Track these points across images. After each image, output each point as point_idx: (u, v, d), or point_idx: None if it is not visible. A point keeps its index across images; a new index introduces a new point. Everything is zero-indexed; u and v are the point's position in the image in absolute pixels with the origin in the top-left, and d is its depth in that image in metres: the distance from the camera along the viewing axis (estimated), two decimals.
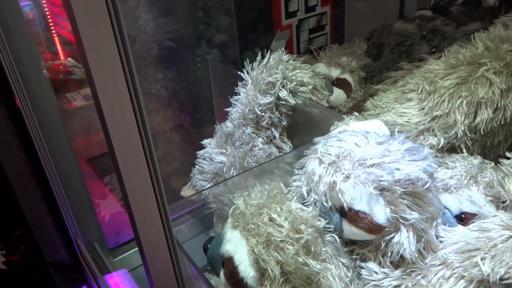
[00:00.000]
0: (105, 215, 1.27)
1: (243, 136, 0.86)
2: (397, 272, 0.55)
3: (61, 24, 1.60)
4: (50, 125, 0.91)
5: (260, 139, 0.85)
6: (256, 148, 0.84)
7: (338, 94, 1.00)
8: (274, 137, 0.87)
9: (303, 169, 0.62)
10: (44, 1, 1.46)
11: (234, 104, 0.90)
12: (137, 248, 1.08)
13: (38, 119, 0.88)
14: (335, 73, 1.02)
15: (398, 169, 0.53)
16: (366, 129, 0.62)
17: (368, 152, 0.55)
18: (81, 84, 1.53)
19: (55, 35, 1.60)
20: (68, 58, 1.66)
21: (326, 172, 0.56)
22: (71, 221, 0.95)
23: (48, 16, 1.52)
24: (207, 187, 0.86)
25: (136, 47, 1.17)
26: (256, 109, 0.84)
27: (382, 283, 0.56)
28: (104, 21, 0.36)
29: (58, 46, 1.63)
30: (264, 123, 0.85)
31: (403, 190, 0.53)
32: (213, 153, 0.89)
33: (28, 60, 0.84)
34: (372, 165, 0.54)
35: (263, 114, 0.84)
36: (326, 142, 0.59)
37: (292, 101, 0.85)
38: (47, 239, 1.06)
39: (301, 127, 0.90)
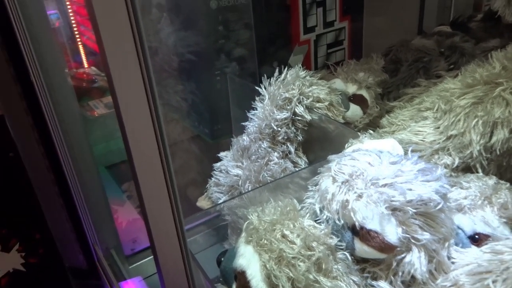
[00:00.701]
0: (122, 221, 1.30)
1: (259, 150, 0.87)
2: None
3: (86, 34, 1.65)
4: (73, 133, 0.94)
5: (275, 154, 0.87)
6: (272, 162, 0.86)
7: (354, 110, 1.01)
8: (290, 152, 0.88)
9: (317, 186, 0.63)
10: (70, 11, 1.51)
11: (251, 118, 0.92)
12: (152, 257, 1.10)
13: (62, 127, 0.91)
14: (351, 89, 1.03)
15: (410, 190, 0.54)
16: (380, 148, 0.63)
17: (381, 171, 0.56)
18: (103, 92, 1.57)
19: (79, 44, 1.64)
20: (92, 67, 1.71)
21: (339, 190, 0.57)
22: (90, 227, 0.97)
23: (74, 26, 1.57)
24: (222, 200, 0.88)
25: (157, 59, 1.20)
26: (273, 124, 0.85)
27: None
28: (126, 33, 0.38)
29: (82, 55, 1.68)
30: (280, 138, 0.87)
31: (415, 210, 0.53)
32: (229, 166, 0.91)
33: (54, 68, 0.87)
34: (385, 185, 0.55)
35: (279, 129, 0.85)
36: (340, 160, 0.60)
37: (308, 117, 0.86)
38: (66, 244, 1.09)
39: (317, 142, 0.91)
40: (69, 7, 1.50)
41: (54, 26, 1.43)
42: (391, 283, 0.58)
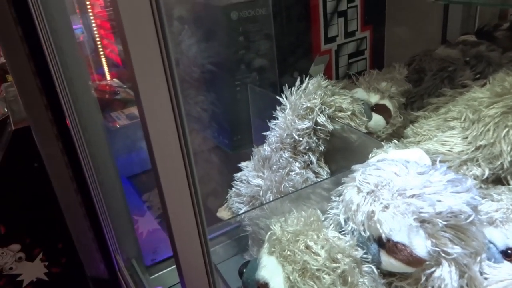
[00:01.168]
0: (143, 231, 1.30)
1: (280, 160, 0.86)
2: None
3: (109, 47, 1.68)
4: (95, 143, 0.95)
5: (297, 164, 0.85)
6: (293, 172, 0.84)
7: (377, 120, 0.99)
8: (311, 162, 0.87)
9: (341, 197, 0.62)
10: (94, 25, 1.55)
11: (272, 128, 0.92)
12: (173, 267, 1.10)
13: (85, 137, 0.93)
14: (374, 98, 1.01)
15: (439, 201, 0.52)
16: (406, 158, 0.61)
17: (408, 182, 0.54)
18: (125, 104, 1.59)
19: (102, 56, 1.68)
20: (114, 79, 1.74)
21: (365, 201, 0.55)
22: (111, 237, 0.98)
23: (97, 39, 1.61)
24: (243, 211, 0.87)
25: (178, 70, 1.21)
26: (294, 134, 0.84)
27: None
28: (153, 45, 0.38)
29: (105, 67, 1.71)
30: (301, 147, 0.85)
31: (445, 223, 0.51)
32: (250, 176, 0.90)
33: (79, 80, 0.89)
34: (412, 196, 0.53)
35: (300, 139, 0.84)
36: (365, 170, 0.58)
37: (330, 126, 0.85)
38: (88, 253, 1.10)
39: (339, 152, 0.90)
40: (93, 21, 1.54)
41: (78, 40, 1.46)
42: None
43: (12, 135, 1.24)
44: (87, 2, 1.48)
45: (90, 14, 1.52)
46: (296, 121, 0.84)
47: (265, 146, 0.92)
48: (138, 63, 0.38)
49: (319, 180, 0.84)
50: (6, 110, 1.41)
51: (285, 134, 0.86)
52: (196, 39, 1.18)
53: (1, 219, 1.26)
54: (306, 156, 0.86)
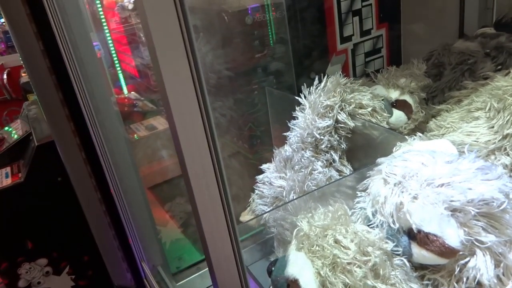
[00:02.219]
0: (166, 241, 1.30)
1: (302, 159, 0.86)
2: None
3: (126, 60, 1.71)
4: (118, 153, 0.96)
5: (319, 163, 0.85)
6: (316, 171, 0.84)
7: (398, 116, 0.97)
8: (334, 161, 0.86)
9: (367, 190, 0.61)
10: (110, 41, 1.58)
11: (292, 128, 0.91)
12: (198, 273, 1.10)
13: (108, 148, 0.94)
14: (394, 94, 1.00)
15: (470, 189, 0.50)
16: (432, 148, 0.60)
17: (436, 171, 0.53)
18: (143, 115, 1.61)
19: (119, 71, 1.71)
20: (132, 92, 1.77)
21: (392, 192, 0.54)
22: (137, 245, 0.98)
23: (113, 54, 1.64)
24: (267, 211, 0.86)
25: None
26: (315, 133, 0.84)
27: None
28: (180, 52, 0.39)
29: (122, 81, 1.74)
30: (323, 146, 0.85)
31: (477, 210, 0.50)
32: (272, 178, 0.89)
33: (100, 93, 0.90)
34: (442, 185, 0.52)
35: (322, 137, 0.84)
36: (391, 162, 0.57)
37: (351, 123, 0.84)
38: (114, 262, 1.10)
39: (361, 150, 0.88)
40: (109, 37, 1.57)
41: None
42: None
43: (35, 151, 1.26)
44: (103, 19, 1.52)
45: (106, 30, 1.55)
46: (317, 119, 0.84)
47: (286, 147, 0.91)
48: (167, 72, 0.39)
49: (343, 176, 0.83)
50: (29, 127, 1.44)
51: (305, 134, 0.86)
52: (211, 46, 1.19)
53: (27, 234, 1.28)
54: (328, 155, 0.86)
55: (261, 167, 0.97)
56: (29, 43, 0.84)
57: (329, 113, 0.84)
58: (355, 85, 0.90)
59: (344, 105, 0.84)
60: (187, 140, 0.42)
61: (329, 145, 0.85)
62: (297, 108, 0.91)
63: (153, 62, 0.39)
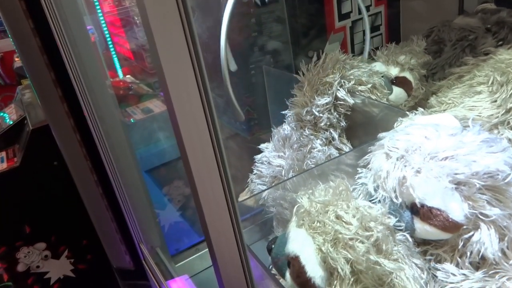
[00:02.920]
0: (165, 224, 1.30)
1: (301, 138, 0.84)
2: (478, 274, 0.51)
3: (120, 42, 1.68)
4: (114, 135, 0.95)
5: (318, 141, 0.83)
6: (315, 150, 0.82)
7: (398, 93, 0.96)
8: (333, 139, 0.85)
9: (368, 166, 0.60)
10: (103, 24, 1.55)
11: (291, 106, 0.90)
12: (196, 255, 1.09)
13: (104, 129, 0.92)
14: (394, 71, 0.98)
15: (475, 162, 0.49)
16: (435, 122, 0.59)
17: (440, 144, 0.52)
18: (139, 98, 1.59)
19: (114, 54, 1.68)
20: (127, 76, 1.75)
21: (395, 167, 0.53)
22: (135, 227, 0.97)
23: (107, 37, 1.61)
24: (265, 188, 0.85)
25: None
26: (314, 110, 0.82)
27: (461, 285, 0.51)
28: (177, 30, 0.37)
29: (117, 65, 1.72)
30: (322, 124, 0.83)
31: (482, 183, 0.49)
32: (270, 157, 0.88)
33: (94, 75, 0.88)
34: (445, 158, 0.50)
35: (321, 115, 0.82)
36: (393, 136, 0.56)
37: (350, 100, 0.83)
38: (113, 245, 1.10)
39: (361, 127, 0.87)
40: (102, 20, 1.54)
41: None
42: (457, 265, 0.53)
43: (30, 135, 1.24)
44: (96, 2, 1.48)
45: (100, 13, 1.52)
46: (315, 97, 0.82)
47: (285, 126, 0.90)
48: (164, 51, 0.37)
49: (343, 152, 0.81)
50: (23, 111, 1.42)
51: (304, 111, 0.84)
52: (207, 25, 1.16)
53: (25, 219, 1.27)
54: (328, 133, 0.84)
55: (259, 146, 0.96)
56: (19, 20, 0.82)
57: (328, 90, 0.82)
58: (354, 61, 0.88)
59: (344, 82, 0.83)
60: (185, 119, 0.40)
61: (328, 123, 0.83)
62: (295, 86, 0.89)
63: (149, 43, 0.37)
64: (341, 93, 0.82)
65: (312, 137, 0.84)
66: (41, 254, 1.33)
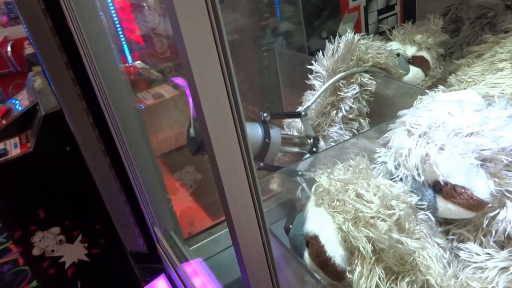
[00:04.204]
0: (176, 209, 1.30)
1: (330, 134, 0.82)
2: (504, 253, 0.50)
3: (130, 27, 1.66)
4: (127, 119, 0.94)
5: (347, 132, 0.81)
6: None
7: (415, 72, 0.94)
8: (362, 127, 0.82)
9: (388, 144, 0.58)
10: (112, 8, 1.53)
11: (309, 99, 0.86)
12: (209, 239, 1.08)
13: (116, 113, 0.91)
14: (410, 51, 0.96)
15: (501, 137, 0.47)
16: (457, 98, 0.57)
17: (465, 120, 0.50)
18: (150, 83, 1.58)
19: (123, 40, 1.67)
20: (137, 62, 1.73)
21: (417, 144, 0.51)
22: (148, 210, 0.97)
23: (117, 22, 1.59)
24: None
25: None
26: (343, 105, 0.80)
27: (486, 265, 0.50)
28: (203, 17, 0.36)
29: (127, 50, 1.71)
30: (352, 115, 0.81)
31: (509, 160, 0.47)
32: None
33: (106, 58, 0.87)
34: (471, 134, 0.49)
35: (353, 106, 0.80)
36: (414, 113, 0.54)
37: (373, 83, 0.80)
38: (126, 228, 1.10)
39: (378, 110, 0.85)
40: (111, 5, 1.53)
41: None
42: (480, 245, 0.52)
43: (42, 120, 1.24)
44: None
45: None
46: (341, 89, 0.79)
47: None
48: (189, 38, 0.36)
49: (362, 132, 0.79)
50: (35, 97, 1.42)
51: (326, 103, 0.81)
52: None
53: (39, 204, 1.28)
54: (357, 123, 0.82)
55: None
56: (30, 2, 0.81)
57: (351, 78, 0.79)
58: (368, 41, 0.85)
59: (362, 65, 0.80)
60: (208, 99, 0.39)
61: (358, 113, 0.81)
62: (310, 76, 0.87)
63: (173, 26, 0.36)
64: (365, 78, 0.79)
65: (341, 132, 0.81)
66: (56, 239, 1.34)
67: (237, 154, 0.42)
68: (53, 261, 1.36)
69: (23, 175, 1.23)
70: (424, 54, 0.95)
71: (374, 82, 0.80)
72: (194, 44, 0.37)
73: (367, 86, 0.80)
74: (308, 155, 0.79)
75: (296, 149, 0.80)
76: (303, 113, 0.79)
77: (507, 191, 0.48)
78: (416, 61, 0.95)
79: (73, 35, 0.83)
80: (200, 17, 0.36)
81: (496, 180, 0.48)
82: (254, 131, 0.73)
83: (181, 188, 1.41)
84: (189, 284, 0.85)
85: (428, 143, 0.51)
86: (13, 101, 1.60)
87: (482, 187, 0.48)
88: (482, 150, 0.47)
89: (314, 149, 0.79)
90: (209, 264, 1.00)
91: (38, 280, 1.40)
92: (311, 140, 0.80)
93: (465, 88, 0.76)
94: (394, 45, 0.96)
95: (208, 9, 0.36)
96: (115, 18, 1.60)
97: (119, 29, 1.62)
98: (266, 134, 0.71)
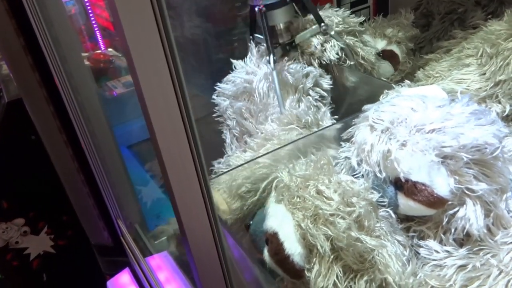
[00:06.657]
0: (147, 201, 1.27)
1: None
2: (462, 251, 0.50)
3: (101, 13, 1.61)
4: (90, 110, 0.91)
5: None
6: None
7: (384, 66, 0.93)
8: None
9: (352, 139, 0.57)
10: None
11: None
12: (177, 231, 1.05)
13: (78, 102, 0.88)
14: (380, 44, 0.95)
15: (462, 134, 0.47)
16: (422, 94, 0.56)
17: (427, 116, 0.49)
18: (120, 72, 1.54)
19: (95, 26, 1.62)
20: (109, 49, 1.68)
21: (379, 140, 0.50)
22: (112, 203, 0.94)
23: (88, 8, 1.54)
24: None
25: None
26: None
27: (445, 262, 0.50)
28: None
29: (99, 37, 1.65)
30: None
31: (469, 157, 0.47)
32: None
33: (70, 51, 0.83)
34: (432, 131, 0.48)
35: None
36: (378, 108, 0.53)
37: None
38: (90, 221, 1.07)
39: (344, 102, 0.84)
40: None
41: (70, 13, 1.42)
42: (440, 242, 0.52)
43: (6, 108, 1.19)
44: None
45: None
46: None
47: None
48: (129, 25, 0.33)
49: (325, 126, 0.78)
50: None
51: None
52: None
53: (2, 194, 1.23)
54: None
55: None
56: None
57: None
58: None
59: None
60: (154, 99, 0.37)
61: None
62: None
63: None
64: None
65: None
66: (20, 230, 1.30)
67: (186, 151, 0.40)
68: (17, 253, 1.32)
69: None
70: (394, 48, 0.95)
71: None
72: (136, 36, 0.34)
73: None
74: None
75: None
76: None
77: (467, 188, 0.48)
78: (386, 55, 0.94)
79: (29, 18, 0.79)
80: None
81: (457, 177, 0.48)
82: None
83: (152, 179, 1.38)
84: (152, 279, 0.83)
85: (390, 139, 0.50)
86: None
87: (442, 184, 0.48)
88: (443, 147, 0.46)
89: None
90: (175, 256, 0.98)
91: (2, 272, 1.36)
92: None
93: (432, 83, 0.76)
94: (364, 38, 0.95)
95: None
96: (87, 3, 1.54)
97: (91, 14, 1.57)
98: None
